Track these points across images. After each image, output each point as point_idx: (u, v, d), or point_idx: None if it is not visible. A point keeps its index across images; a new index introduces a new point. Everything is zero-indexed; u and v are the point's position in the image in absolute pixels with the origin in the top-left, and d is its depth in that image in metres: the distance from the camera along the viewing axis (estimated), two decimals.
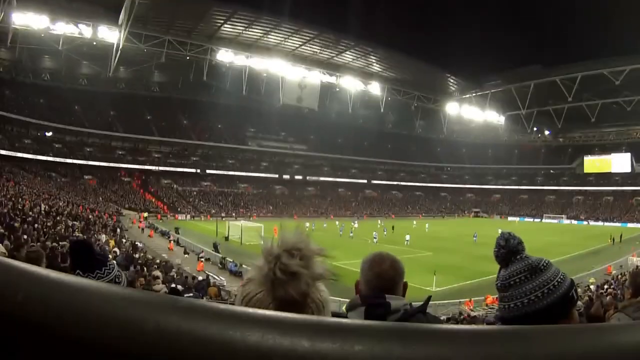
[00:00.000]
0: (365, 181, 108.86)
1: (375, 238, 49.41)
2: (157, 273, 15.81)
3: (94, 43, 71.31)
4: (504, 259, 1.75)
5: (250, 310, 0.61)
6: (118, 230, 41.82)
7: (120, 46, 69.10)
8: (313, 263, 1.08)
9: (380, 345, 0.53)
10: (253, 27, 72.36)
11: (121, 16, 65.20)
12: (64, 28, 65.05)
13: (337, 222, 66.95)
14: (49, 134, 75.18)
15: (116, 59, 71.55)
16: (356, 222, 66.20)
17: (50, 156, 70.45)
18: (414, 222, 73.09)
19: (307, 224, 57.26)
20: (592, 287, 24.39)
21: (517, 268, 1.70)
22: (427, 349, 0.53)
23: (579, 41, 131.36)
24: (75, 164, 73.26)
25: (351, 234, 52.48)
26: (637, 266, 31.41)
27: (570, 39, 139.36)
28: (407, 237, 47.78)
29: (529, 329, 0.62)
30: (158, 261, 26.60)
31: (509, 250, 1.74)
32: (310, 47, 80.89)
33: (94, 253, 2.35)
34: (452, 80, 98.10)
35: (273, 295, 1.06)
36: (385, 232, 57.35)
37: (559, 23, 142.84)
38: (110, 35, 68.27)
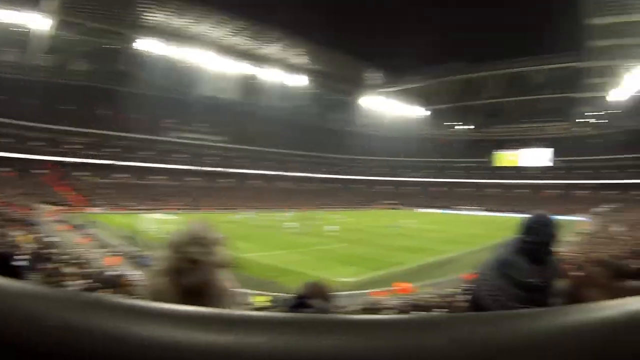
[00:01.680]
0: (281, 173, 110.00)
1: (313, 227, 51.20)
2: (71, 269, 17.39)
3: (13, 29, 69.12)
4: (547, 251, 1.41)
5: (155, 304, 0.62)
6: (31, 225, 41.74)
7: (40, 33, 67.28)
8: (215, 251, 1.15)
9: (282, 337, 0.54)
10: (179, 16, 71.59)
11: (44, 2, 63.95)
12: None
13: (253, 214, 68.48)
14: None
15: (35, 47, 69.74)
16: (290, 213, 68.44)
17: None
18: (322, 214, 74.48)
19: (246, 215, 58.38)
20: None
21: (555, 265, 1.42)
22: (328, 340, 0.54)
23: (504, 40, 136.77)
24: None
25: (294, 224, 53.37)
26: None
27: (496, 37, 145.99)
28: (329, 227, 49.85)
29: (438, 316, 0.62)
30: (72, 256, 26.26)
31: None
32: (235, 39, 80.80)
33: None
34: (374, 75, 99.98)
35: (177, 284, 1.11)
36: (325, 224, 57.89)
37: (486, 20, 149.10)
38: (30, 21, 66.21)
